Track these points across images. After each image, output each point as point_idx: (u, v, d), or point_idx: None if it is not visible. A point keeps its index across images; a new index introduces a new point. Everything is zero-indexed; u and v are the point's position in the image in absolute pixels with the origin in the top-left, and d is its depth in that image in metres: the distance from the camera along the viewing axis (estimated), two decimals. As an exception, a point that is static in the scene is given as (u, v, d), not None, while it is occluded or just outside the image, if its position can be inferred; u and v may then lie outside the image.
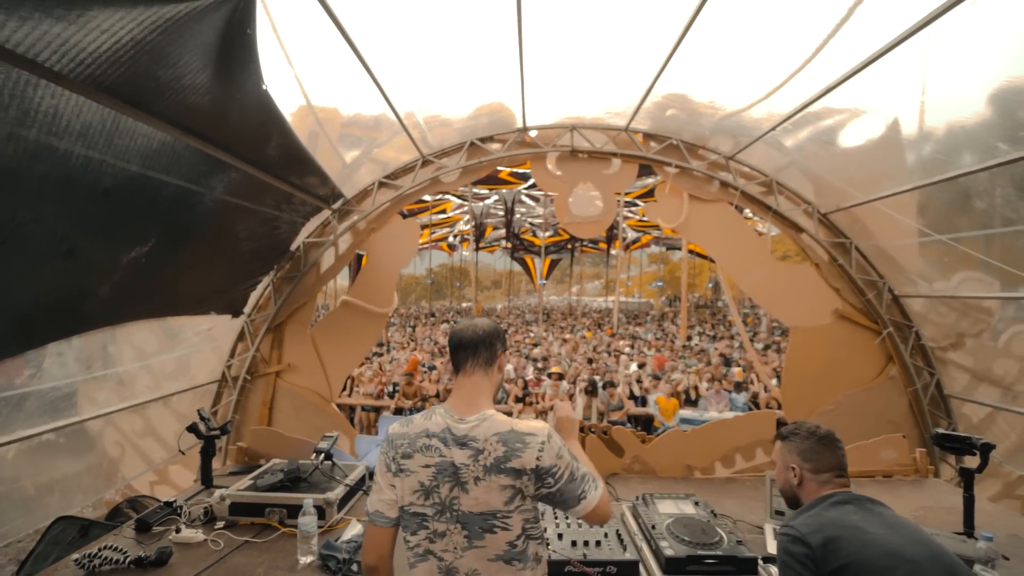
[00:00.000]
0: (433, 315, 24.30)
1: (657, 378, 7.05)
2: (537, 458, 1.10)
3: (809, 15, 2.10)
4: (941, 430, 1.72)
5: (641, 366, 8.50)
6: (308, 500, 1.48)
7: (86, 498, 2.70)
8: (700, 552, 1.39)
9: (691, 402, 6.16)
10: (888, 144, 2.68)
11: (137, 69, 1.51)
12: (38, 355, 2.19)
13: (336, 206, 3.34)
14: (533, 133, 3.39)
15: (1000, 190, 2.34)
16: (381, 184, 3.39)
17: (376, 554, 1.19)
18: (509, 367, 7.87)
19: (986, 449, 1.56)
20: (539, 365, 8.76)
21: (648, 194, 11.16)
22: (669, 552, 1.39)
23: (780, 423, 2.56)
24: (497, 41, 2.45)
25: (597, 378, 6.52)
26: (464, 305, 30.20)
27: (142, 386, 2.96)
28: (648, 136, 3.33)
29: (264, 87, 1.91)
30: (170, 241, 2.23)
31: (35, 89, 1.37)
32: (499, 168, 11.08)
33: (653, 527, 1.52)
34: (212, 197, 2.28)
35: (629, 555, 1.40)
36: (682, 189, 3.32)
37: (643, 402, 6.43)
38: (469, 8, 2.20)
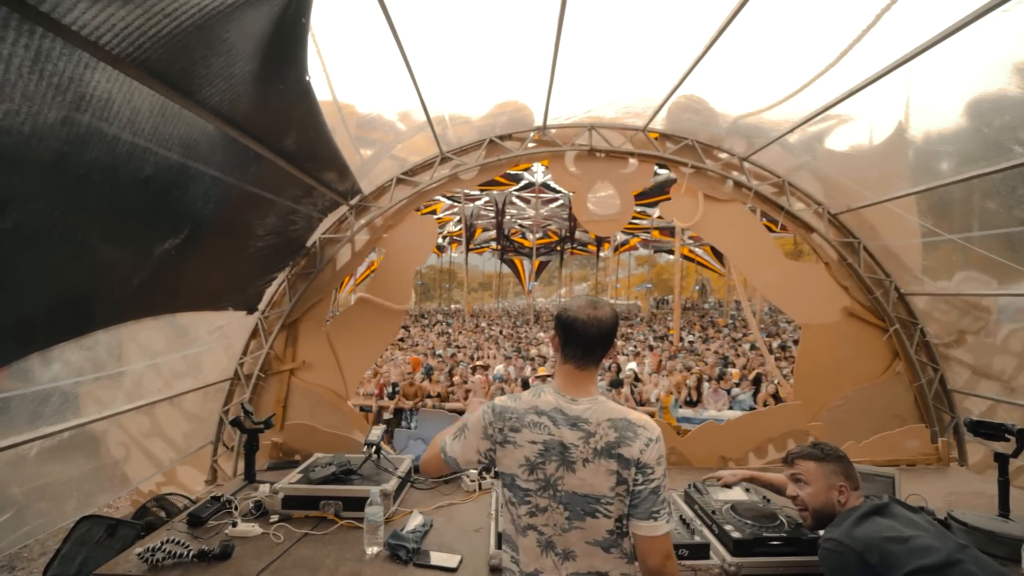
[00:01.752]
0: (424, 316, 24.12)
1: (654, 374, 7.15)
2: (641, 451, 1.11)
3: (825, 26, 2.18)
4: (975, 418, 1.80)
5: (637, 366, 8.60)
6: (375, 490, 1.46)
7: (93, 504, 2.60)
8: (766, 534, 1.43)
9: (691, 402, 6.26)
10: (896, 147, 2.79)
11: (193, 56, 1.49)
12: (44, 355, 2.11)
13: (354, 202, 3.31)
14: (552, 132, 3.42)
15: (1013, 191, 2.45)
16: (399, 180, 3.37)
17: (432, 474, 1.31)
18: (511, 369, 7.88)
19: (1022, 434, 1.64)
20: (535, 365, 8.79)
21: (639, 196, 11.32)
22: (736, 535, 1.42)
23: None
24: (521, 40, 2.47)
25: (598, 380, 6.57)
26: (453, 307, 30.08)
27: (151, 386, 2.87)
28: (664, 136, 3.39)
29: (308, 78, 1.89)
30: (199, 233, 2.18)
31: (92, 72, 1.34)
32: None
33: (714, 512, 1.56)
34: (240, 188, 2.25)
35: (699, 539, 1.43)
36: (697, 189, 3.39)
37: (639, 403, 6.51)
38: (495, 8, 2.21)
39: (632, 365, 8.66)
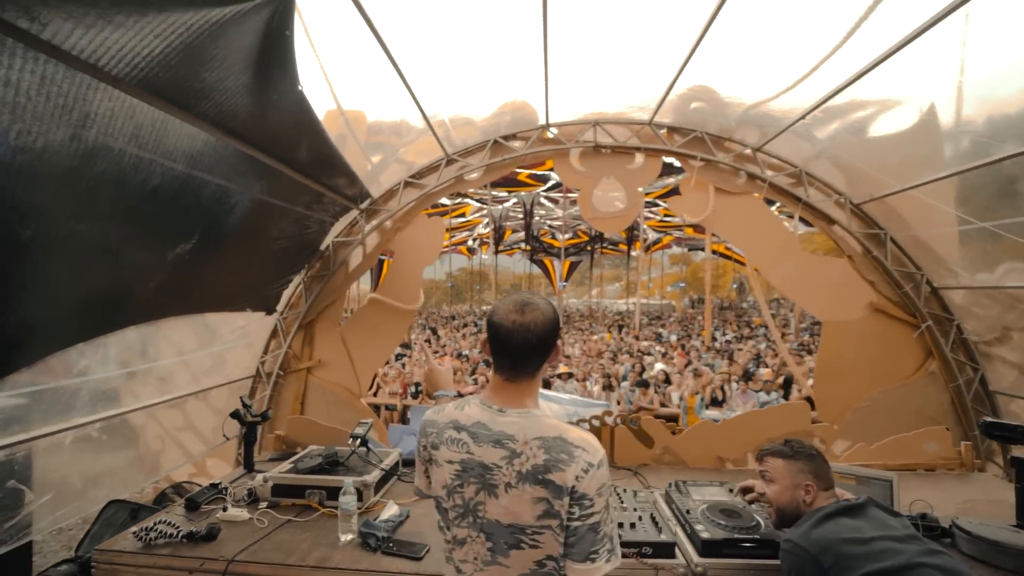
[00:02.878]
0: (454, 318, 24.48)
1: (679, 374, 6.95)
2: (577, 477, 0.92)
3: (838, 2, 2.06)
4: (989, 418, 1.66)
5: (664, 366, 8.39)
6: (348, 480, 1.53)
7: (127, 488, 2.82)
8: (737, 535, 1.38)
9: (717, 403, 6.05)
10: (923, 130, 2.59)
11: (186, 72, 1.60)
12: (86, 350, 2.33)
13: (364, 206, 3.43)
14: (555, 130, 3.41)
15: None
16: (407, 184, 3.46)
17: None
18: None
19: (1039, 437, 1.49)
20: (559, 366, 8.74)
21: (670, 194, 11.02)
22: (705, 535, 1.38)
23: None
24: (520, 39, 2.48)
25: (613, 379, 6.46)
26: (484, 308, 30.33)
27: (181, 381, 3.08)
28: (672, 129, 3.31)
29: (300, 88, 1.99)
30: (211, 239, 2.33)
31: (95, 92, 1.47)
32: (518, 170, 11.16)
33: (688, 512, 1.52)
34: (250, 196, 2.38)
35: (665, 537, 1.40)
36: (707, 182, 3.29)
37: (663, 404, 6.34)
38: (493, 7, 2.24)
39: (660, 366, 8.46)
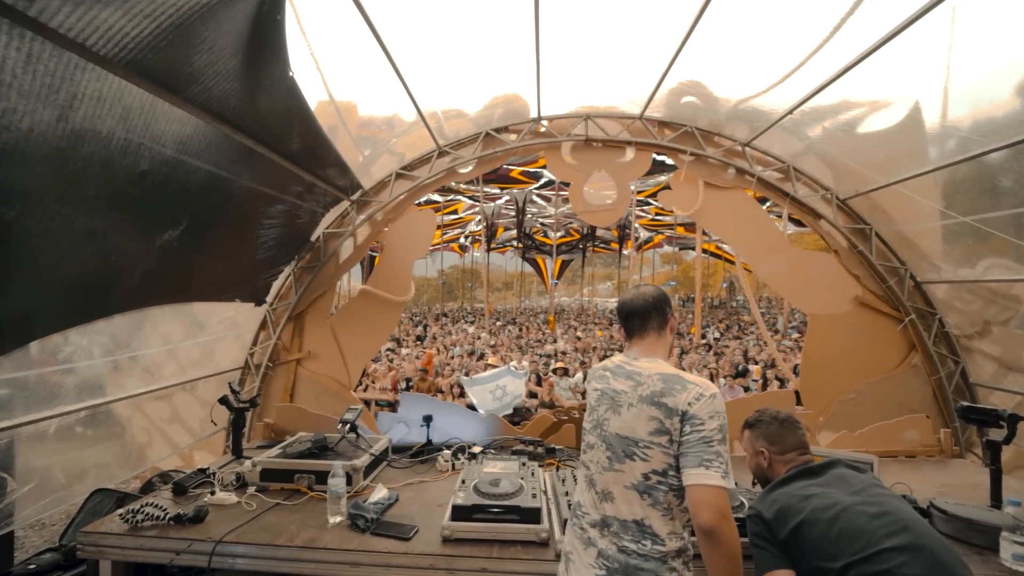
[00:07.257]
0: (446, 315, 24.43)
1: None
2: (688, 402, 1.14)
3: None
4: (966, 403, 1.70)
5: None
6: (337, 463, 1.54)
7: (112, 480, 2.79)
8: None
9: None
10: (908, 127, 2.65)
11: (175, 55, 1.58)
12: (71, 338, 2.29)
13: (355, 197, 3.42)
14: (547, 123, 3.43)
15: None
16: (398, 175, 3.46)
17: None
18: (525, 363, 7.90)
19: (1013, 420, 1.54)
20: (552, 362, 8.77)
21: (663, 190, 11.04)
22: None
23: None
24: (512, 31, 2.49)
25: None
26: (477, 306, 30.30)
27: (168, 372, 3.05)
28: (663, 124, 3.34)
29: (291, 74, 1.98)
30: (200, 226, 2.31)
31: (83, 73, 1.45)
32: (510, 167, 11.12)
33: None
34: (239, 184, 2.36)
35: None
36: (697, 177, 3.32)
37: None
38: (492, 2, 2.24)
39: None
